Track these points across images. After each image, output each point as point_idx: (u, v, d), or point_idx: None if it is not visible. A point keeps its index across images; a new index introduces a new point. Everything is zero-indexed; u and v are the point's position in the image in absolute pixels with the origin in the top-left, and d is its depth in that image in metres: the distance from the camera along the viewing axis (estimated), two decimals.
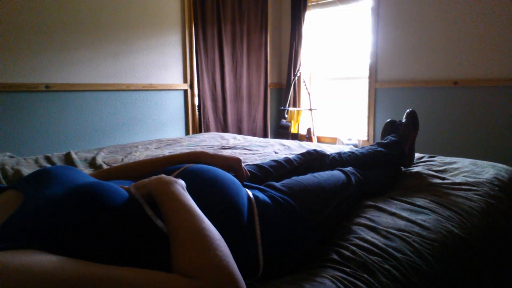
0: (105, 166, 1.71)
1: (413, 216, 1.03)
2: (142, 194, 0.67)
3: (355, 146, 2.68)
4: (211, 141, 2.43)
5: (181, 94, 3.54)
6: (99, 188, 0.61)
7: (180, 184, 0.68)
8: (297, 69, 4.16)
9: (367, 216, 1.03)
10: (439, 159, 1.68)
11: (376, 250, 0.84)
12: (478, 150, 3.16)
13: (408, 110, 1.62)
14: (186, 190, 0.67)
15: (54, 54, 2.66)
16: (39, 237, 0.51)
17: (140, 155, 1.98)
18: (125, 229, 0.60)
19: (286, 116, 4.15)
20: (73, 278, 0.45)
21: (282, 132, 4.03)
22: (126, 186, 0.71)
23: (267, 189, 0.94)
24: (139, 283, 0.47)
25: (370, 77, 3.74)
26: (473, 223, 1.06)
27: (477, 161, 1.60)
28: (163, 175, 0.70)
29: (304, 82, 4.19)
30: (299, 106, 4.38)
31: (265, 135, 4.32)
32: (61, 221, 0.55)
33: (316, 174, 1.11)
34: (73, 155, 1.91)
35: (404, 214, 1.04)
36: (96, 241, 0.56)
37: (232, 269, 0.51)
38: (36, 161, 1.82)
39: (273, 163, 1.24)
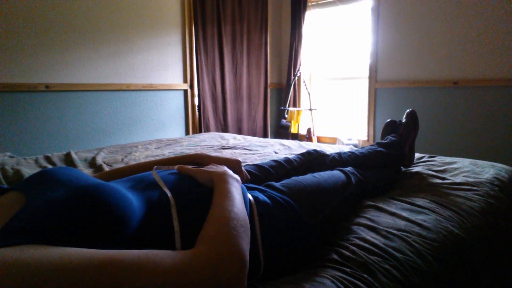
0: (105, 166, 1.71)
1: (413, 216, 1.03)
2: (207, 178, 0.77)
3: (355, 146, 2.68)
4: (211, 141, 2.43)
5: (181, 94, 3.54)
6: (100, 190, 0.61)
7: (237, 180, 0.78)
8: (297, 69, 4.16)
9: (367, 216, 1.03)
10: (439, 159, 1.68)
11: (376, 250, 0.84)
12: (478, 150, 3.16)
13: (408, 110, 1.62)
14: (240, 185, 0.77)
15: (54, 54, 2.66)
16: (41, 239, 0.51)
17: (140, 155, 1.98)
18: (128, 234, 0.60)
19: (286, 116, 4.15)
20: (81, 265, 0.45)
21: (282, 132, 4.03)
22: (193, 168, 0.82)
23: (266, 189, 0.94)
24: (144, 259, 0.48)
25: (370, 77, 3.74)
26: (473, 223, 1.06)
27: (477, 161, 1.60)
28: (229, 170, 0.81)
29: (304, 82, 4.19)
30: (299, 106, 4.39)
31: (265, 135, 4.32)
32: (64, 222, 0.55)
33: (316, 174, 1.11)
34: (73, 155, 1.91)
35: (404, 214, 1.04)
36: (98, 242, 0.56)
37: (242, 249, 0.54)
38: (36, 161, 1.82)
39: (273, 163, 1.25)
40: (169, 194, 0.70)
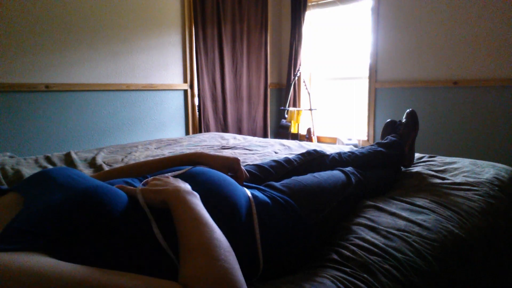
0: (105, 166, 1.71)
1: (413, 216, 1.03)
2: (154, 199, 0.66)
3: (355, 146, 2.68)
4: (211, 141, 2.43)
5: (181, 94, 3.54)
6: (99, 191, 0.61)
7: (196, 195, 0.68)
8: (297, 69, 4.16)
9: (367, 216, 1.03)
10: (439, 159, 1.68)
11: (376, 250, 0.84)
12: (478, 150, 3.16)
13: (408, 110, 1.62)
14: (200, 201, 0.67)
15: (54, 54, 2.66)
16: (41, 239, 0.51)
17: (140, 155, 1.98)
18: (123, 234, 0.60)
19: (286, 116, 4.15)
20: (70, 282, 0.45)
21: (282, 132, 4.03)
22: (134, 188, 0.70)
23: (266, 189, 0.94)
24: None
25: (370, 77, 3.74)
26: (473, 223, 1.06)
27: (477, 161, 1.59)
28: (180, 185, 0.70)
29: (304, 82, 4.19)
30: (299, 106, 4.38)
31: (265, 135, 4.32)
32: (64, 223, 0.55)
33: (316, 174, 1.11)
34: (73, 155, 1.91)
35: (404, 214, 1.04)
36: (94, 244, 0.56)
37: (238, 283, 0.51)
38: (36, 161, 1.82)
39: (273, 163, 1.24)
40: (140, 199, 0.67)
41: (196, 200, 0.66)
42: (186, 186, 0.70)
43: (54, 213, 0.56)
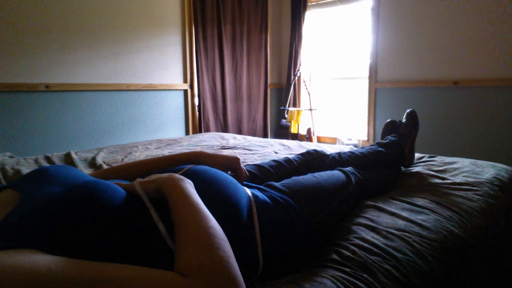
0: (105, 166, 1.71)
1: (413, 216, 1.03)
2: (149, 189, 0.67)
3: (355, 146, 2.68)
4: (211, 141, 2.43)
5: (181, 94, 3.54)
6: (96, 187, 0.61)
7: (190, 183, 0.68)
8: (297, 69, 4.16)
9: (367, 216, 1.03)
10: (439, 159, 1.68)
11: (376, 250, 0.84)
12: (478, 150, 3.16)
13: (408, 110, 1.62)
14: (194, 189, 0.67)
15: (54, 54, 2.66)
16: (36, 236, 0.51)
17: (140, 155, 1.98)
18: (123, 229, 0.60)
19: (286, 116, 4.15)
20: (68, 278, 0.45)
21: (282, 132, 4.03)
22: (128, 183, 0.71)
23: (267, 189, 0.94)
24: (134, 281, 0.47)
25: (370, 77, 3.74)
26: (473, 223, 1.06)
27: (477, 161, 1.60)
28: (173, 173, 0.70)
29: (304, 82, 4.19)
30: (299, 106, 4.38)
31: (265, 135, 4.32)
32: (58, 220, 0.55)
33: (316, 174, 1.11)
34: (73, 155, 1.91)
35: (404, 214, 1.04)
36: (93, 240, 0.56)
37: (233, 270, 0.51)
38: (36, 161, 1.82)
39: (273, 163, 1.24)
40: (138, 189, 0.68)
41: (190, 187, 0.66)
42: (180, 176, 0.70)
43: (51, 211, 0.56)
